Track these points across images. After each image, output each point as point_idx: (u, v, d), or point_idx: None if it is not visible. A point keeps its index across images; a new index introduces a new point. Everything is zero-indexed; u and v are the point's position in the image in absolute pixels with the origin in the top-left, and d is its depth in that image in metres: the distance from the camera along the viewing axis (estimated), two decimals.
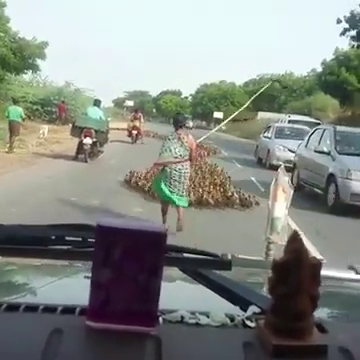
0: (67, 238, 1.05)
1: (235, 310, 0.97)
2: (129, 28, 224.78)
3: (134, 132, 24.30)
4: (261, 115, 54.56)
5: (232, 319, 0.92)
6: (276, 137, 19.94)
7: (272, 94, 62.06)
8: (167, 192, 7.38)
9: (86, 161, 15.13)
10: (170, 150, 7.36)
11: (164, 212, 7.60)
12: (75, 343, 0.82)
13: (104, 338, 0.82)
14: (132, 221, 0.90)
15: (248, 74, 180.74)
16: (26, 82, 35.67)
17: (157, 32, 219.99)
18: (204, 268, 1.09)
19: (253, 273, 1.57)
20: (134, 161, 14.32)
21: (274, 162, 17.92)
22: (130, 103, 57.30)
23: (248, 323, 0.92)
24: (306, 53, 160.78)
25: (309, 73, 60.97)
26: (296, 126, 21.56)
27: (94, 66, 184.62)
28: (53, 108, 33.30)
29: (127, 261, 0.83)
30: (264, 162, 19.89)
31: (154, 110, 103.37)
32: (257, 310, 0.96)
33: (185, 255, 1.07)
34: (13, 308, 0.92)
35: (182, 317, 0.91)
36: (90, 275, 0.87)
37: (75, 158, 15.55)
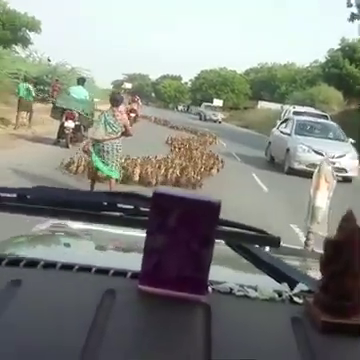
0: (119, 205, 1.05)
1: (282, 287, 0.99)
2: (131, 9, 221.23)
3: (132, 115, 23.86)
4: (261, 104, 52.95)
5: (280, 294, 0.94)
6: (297, 133, 16.35)
7: (273, 83, 60.46)
8: (99, 163, 8.07)
9: (67, 146, 13.45)
10: (105, 125, 8.03)
11: (93, 180, 8.41)
12: (127, 305, 0.85)
13: (155, 302, 0.85)
14: (187, 193, 0.90)
15: (249, 62, 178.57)
16: (21, 58, 33.74)
17: (160, 15, 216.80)
18: (252, 243, 1.10)
19: (293, 260, 1.55)
20: (125, 149, 12.78)
21: (296, 166, 14.98)
22: (128, 86, 55.92)
23: (296, 300, 0.94)
24: (309, 44, 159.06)
25: (312, 64, 59.79)
26: (320, 121, 18.63)
27: (94, 47, 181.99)
28: (46, 87, 31.61)
29: (181, 229, 0.86)
30: (280, 164, 16.22)
31: (153, 94, 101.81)
32: (305, 288, 0.97)
33: (233, 229, 1.05)
34: (67, 268, 0.95)
35: (231, 289, 0.94)
36: (140, 244, 0.90)
37: (56, 142, 14.03)
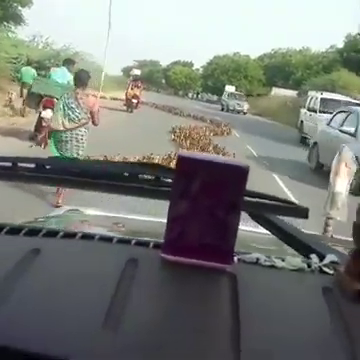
0: (141, 176, 1.03)
1: (310, 258, 0.97)
2: None
3: (134, 100, 23.80)
4: (276, 91, 50.72)
5: (309, 265, 0.93)
6: None
7: (287, 69, 58.24)
8: (57, 155, 6.66)
9: (44, 144, 10.43)
10: (64, 110, 6.67)
11: None
12: (151, 274, 0.83)
13: (179, 271, 0.83)
14: (213, 156, 0.88)
15: (264, 47, 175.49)
16: (22, 42, 31.73)
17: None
18: (278, 214, 1.08)
19: None
20: (120, 144, 10.73)
21: None
22: (137, 72, 53.80)
23: (326, 270, 0.92)
24: (325, 28, 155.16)
25: (328, 49, 57.56)
26: None
27: (103, 32, 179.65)
28: (48, 72, 29.51)
29: (206, 195, 0.83)
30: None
31: (163, 81, 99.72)
32: (335, 259, 0.96)
33: (257, 200, 1.03)
34: (88, 237, 0.94)
35: (257, 259, 0.92)
36: (161, 226, 0.89)
37: (33, 137, 11.13)
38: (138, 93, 24.27)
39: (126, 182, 1.02)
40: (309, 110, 21.53)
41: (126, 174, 1.03)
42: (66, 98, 6.73)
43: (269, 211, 1.06)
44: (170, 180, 0.96)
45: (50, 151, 6.88)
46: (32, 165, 1.02)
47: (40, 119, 11.04)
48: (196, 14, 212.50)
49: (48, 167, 1.02)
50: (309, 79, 46.74)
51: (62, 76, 11.16)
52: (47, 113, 10.62)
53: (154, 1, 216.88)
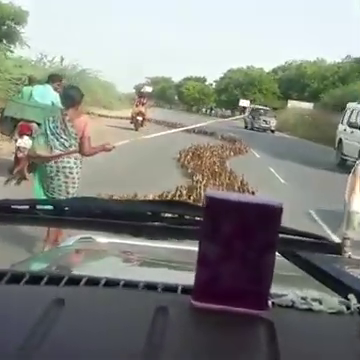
0: (163, 215, 1.02)
1: (347, 298, 0.94)
2: (152, 9, 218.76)
3: (139, 118, 23.32)
4: (292, 104, 48.95)
5: (348, 307, 0.89)
6: None
7: (302, 81, 57.12)
8: (41, 196, 5.17)
9: (18, 178, 7.83)
10: (46, 135, 5.25)
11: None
12: (182, 323, 0.80)
13: (212, 318, 0.80)
14: (243, 195, 0.82)
15: (277, 60, 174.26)
16: (28, 62, 30.68)
17: (182, 14, 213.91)
18: (310, 251, 1.05)
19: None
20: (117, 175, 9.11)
21: None
22: (149, 89, 52.97)
23: None
24: (340, 39, 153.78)
25: (343, 60, 56.44)
26: None
27: (114, 50, 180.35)
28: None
29: (238, 236, 0.80)
30: None
31: (176, 97, 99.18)
32: None
33: (287, 236, 1.01)
34: (112, 284, 0.91)
35: (292, 302, 0.88)
36: (186, 256, 0.88)
37: (12, 170, 8.69)
38: (143, 110, 23.62)
39: (149, 221, 1.02)
40: (350, 126, 17.87)
41: (149, 213, 1.03)
42: (50, 122, 5.32)
43: (300, 248, 1.03)
44: (196, 218, 0.97)
45: (32, 189, 5.44)
46: (50, 207, 1.03)
47: (17, 149, 9.11)
48: (207, 29, 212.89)
49: (66, 208, 1.02)
50: (327, 91, 45.36)
51: (44, 95, 9.03)
52: (24, 141, 8.85)
53: (166, 17, 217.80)
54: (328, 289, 0.98)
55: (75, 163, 5.34)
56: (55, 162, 5.27)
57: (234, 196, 0.80)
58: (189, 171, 12.44)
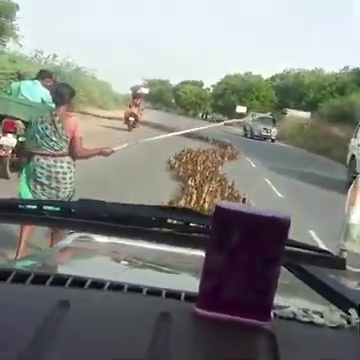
0: (169, 221, 1.03)
1: (348, 312, 0.96)
2: (153, 11, 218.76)
3: (131, 119, 23.17)
4: (290, 113, 48.91)
5: (348, 321, 0.90)
6: None
7: (300, 90, 57.30)
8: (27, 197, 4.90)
9: (6, 176, 8.54)
10: (34, 137, 4.98)
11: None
12: (185, 330, 0.81)
13: (215, 327, 0.81)
14: (252, 207, 0.83)
15: (276, 68, 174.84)
16: (24, 58, 30.54)
17: (182, 17, 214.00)
18: (314, 265, 1.06)
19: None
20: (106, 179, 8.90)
21: None
22: (145, 91, 52.79)
23: None
24: (338, 49, 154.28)
25: (341, 70, 56.66)
26: None
27: (112, 50, 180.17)
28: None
29: (245, 248, 0.81)
30: None
31: (173, 100, 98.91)
32: None
33: (292, 249, 1.02)
34: (116, 287, 0.93)
35: (294, 314, 0.89)
36: (189, 262, 0.91)
37: None
38: (136, 112, 23.31)
39: (154, 227, 1.03)
40: None
41: (154, 219, 1.04)
42: (39, 123, 4.99)
43: (304, 261, 1.05)
44: (201, 226, 0.98)
45: (18, 191, 5.10)
46: (57, 208, 1.03)
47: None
48: (206, 33, 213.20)
49: (73, 211, 1.03)
50: (324, 101, 45.45)
51: (33, 92, 8.59)
52: (7, 139, 8.54)
53: (164, 19, 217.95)
54: (330, 303, 0.99)
55: (68, 167, 5.04)
56: (48, 166, 4.99)
57: (243, 207, 0.81)
58: (180, 174, 12.62)
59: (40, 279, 0.92)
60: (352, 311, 0.92)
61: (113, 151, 5.28)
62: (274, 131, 38.25)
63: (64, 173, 4.99)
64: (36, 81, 8.83)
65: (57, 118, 4.98)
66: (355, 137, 16.70)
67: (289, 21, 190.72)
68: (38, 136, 4.98)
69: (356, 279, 1.37)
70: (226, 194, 10.16)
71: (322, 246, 7.01)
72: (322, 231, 7.85)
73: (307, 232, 7.91)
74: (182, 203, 8.70)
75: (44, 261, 1.43)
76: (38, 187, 5.01)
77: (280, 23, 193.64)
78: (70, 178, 5.06)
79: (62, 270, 1.21)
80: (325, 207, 9.85)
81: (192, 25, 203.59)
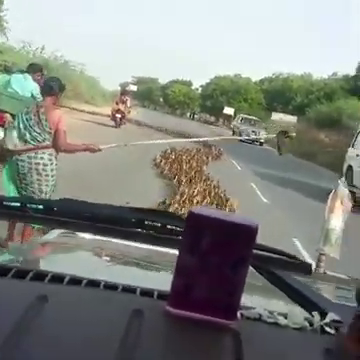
0: (147, 222, 1.07)
1: (312, 315, 0.99)
2: (144, 9, 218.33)
3: (118, 116, 23.37)
4: (275, 116, 49.08)
5: (311, 323, 0.94)
6: None
7: (288, 94, 57.55)
8: (11, 192, 4.98)
9: None
10: (18, 129, 4.99)
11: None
12: (155, 327, 0.84)
13: (183, 325, 0.85)
14: (224, 213, 0.89)
15: (263, 71, 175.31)
16: (11, 49, 30.16)
17: (174, 17, 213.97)
18: (282, 269, 1.10)
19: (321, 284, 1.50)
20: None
21: None
22: (133, 88, 52.66)
23: (327, 330, 0.93)
24: (327, 55, 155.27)
25: (330, 76, 56.94)
26: None
27: (102, 46, 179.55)
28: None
29: (215, 251, 0.85)
30: None
31: (161, 99, 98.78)
32: (336, 318, 0.97)
33: (263, 253, 1.06)
34: (94, 284, 0.96)
35: (260, 315, 0.93)
36: (165, 262, 0.95)
37: None
38: (123, 108, 23.46)
39: (133, 228, 1.06)
40: None
41: (133, 220, 1.06)
42: (24, 114, 5.03)
43: (274, 266, 1.08)
44: (178, 228, 1.01)
45: (3, 183, 5.13)
46: (40, 206, 1.05)
47: None
48: (197, 32, 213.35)
49: (56, 209, 1.05)
50: (311, 106, 45.60)
51: (23, 85, 8.58)
52: None
53: (156, 17, 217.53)
54: (296, 305, 1.04)
55: (49, 159, 5.02)
56: (28, 157, 4.97)
57: (215, 213, 0.85)
58: (165, 173, 12.89)
59: (21, 274, 0.95)
60: (315, 314, 0.96)
61: (100, 149, 5.33)
62: (263, 134, 37.03)
63: (44, 164, 4.97)
64: (27, 75, 8.78)
65: (42, 109, 4.99)
66: (352, 147, 15.61)
67: (282, 23, 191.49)
68: (21, 126, 4.99)
69: (332, 282, 1.40)
70: (212, 194, 10.23)
71: (303, 250, 7.40)
72: (304, 236, 7.89)
73: (290, 238, 8.04)
74: (167, 202, 8.81)
75: (27, 256, 1.48)
76: (19, 180, 5.02)
77: (272, 24, 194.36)
78: (51, 170, 5.04)
79: (44, 265, 1.25)
80: (310, 212, 9.67)
81: (185, 25, 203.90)
